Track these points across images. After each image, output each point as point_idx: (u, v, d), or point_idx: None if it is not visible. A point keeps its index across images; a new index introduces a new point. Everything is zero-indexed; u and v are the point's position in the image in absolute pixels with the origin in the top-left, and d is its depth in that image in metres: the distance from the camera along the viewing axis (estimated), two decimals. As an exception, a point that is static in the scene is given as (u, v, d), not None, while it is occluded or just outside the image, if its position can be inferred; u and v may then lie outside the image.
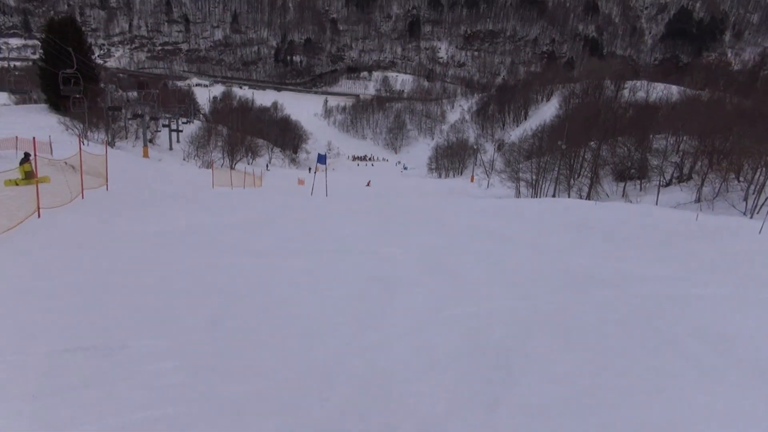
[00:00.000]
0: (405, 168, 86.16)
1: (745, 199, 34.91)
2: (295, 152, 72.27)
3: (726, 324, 3.18)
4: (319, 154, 13.91)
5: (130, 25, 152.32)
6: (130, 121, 26.81)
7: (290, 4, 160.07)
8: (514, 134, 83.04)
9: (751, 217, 27.19)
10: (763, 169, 35.27)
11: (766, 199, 29.19)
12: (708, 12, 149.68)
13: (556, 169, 45.92)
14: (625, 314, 3.48)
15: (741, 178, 38.59)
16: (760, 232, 14.83)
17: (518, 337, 2.89)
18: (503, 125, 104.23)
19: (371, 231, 6.77)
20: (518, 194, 47.78)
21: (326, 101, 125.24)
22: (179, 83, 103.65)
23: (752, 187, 35.59)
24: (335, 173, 53.28)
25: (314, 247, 5.06)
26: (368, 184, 42.49)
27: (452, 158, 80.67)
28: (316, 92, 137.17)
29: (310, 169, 54.16)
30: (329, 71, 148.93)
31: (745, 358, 2.56)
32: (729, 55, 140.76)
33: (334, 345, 2.78)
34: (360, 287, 3.84)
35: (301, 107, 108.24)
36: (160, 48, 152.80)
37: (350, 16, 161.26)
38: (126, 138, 25.32)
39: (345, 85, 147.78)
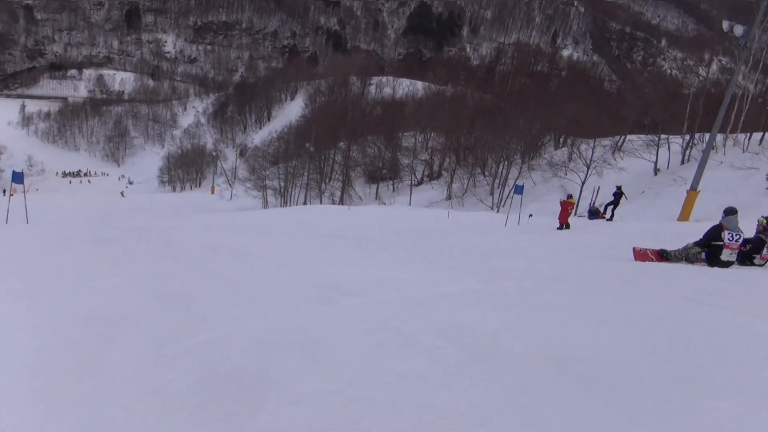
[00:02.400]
0: (130, 183, 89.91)
1: (492, 193, 48.23)
2: (-21, 171, 70.95)
3: (468, 319, 4.32)
4: (14, 172, 14.18)
5: None
6: None
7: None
8: (258, 137, 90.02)
9: (498, 211, 39.85)
10: (505, 162, 50.05)
11: (509, 192, 41.63)
12: (446, 7, 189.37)
13: (306, 174, 53.44)
14: (373, 323, 4.09)
15: (486, 173, 53.11)
16: (505, 225, 22.32)
17: (259, 361, 3.25)
18: (245, 128, 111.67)
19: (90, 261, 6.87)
20: (266, 204, 52.97)
21: (23, 106, 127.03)
22: None
23: (497, 180, 49.83)
24: (40, 195, 50.89)
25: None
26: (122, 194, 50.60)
27: (188, 168, 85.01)
28: (9, 95, 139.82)
29: (4, 191, 53.94)
30: (25, 69, 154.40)
31: (485, 351, 3.51)
32: (468, 50, 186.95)
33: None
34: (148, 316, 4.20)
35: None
36: None
37: (50, 3, 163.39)
38: None
39: (48, 85, 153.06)
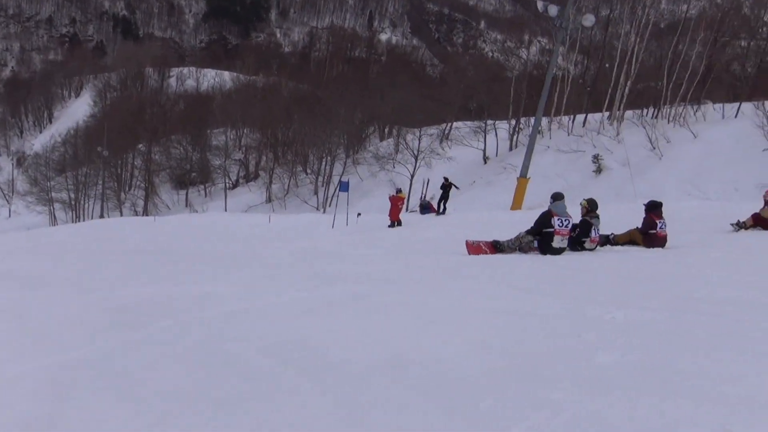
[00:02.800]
0: None
1: (316, 192, 49.14)
2: None
3: (296, 331, 4.35)
4: None
5: None
6: None
7: None
8: (38, 143, 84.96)
9: (324, 212, 40.83)
10: (328, 157, 51.47)
11: (335, 190, 42.29)
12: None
13: (101, 182, 52.17)
14: (188, 345, 4.18)
15: (309, 170, 54.06)
16: (333, 226, 22.90)
17: (52, 401, 3.19)
18: (21, 132, 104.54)
19: None
20: (54, 221, 51.26)
21: None
22: None
23: (320, 178, 50.92)
24: None
25: None
26: None
27: (-55, 187, 75.51)
28: None
29: None
30: None
31: (315, 364, 3.56)
32: (278, 35, 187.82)
33: None
34: None
35: None
36: None
37: None
38: None
39: None
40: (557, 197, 9.66)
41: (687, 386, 2.82)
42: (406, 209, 32.54)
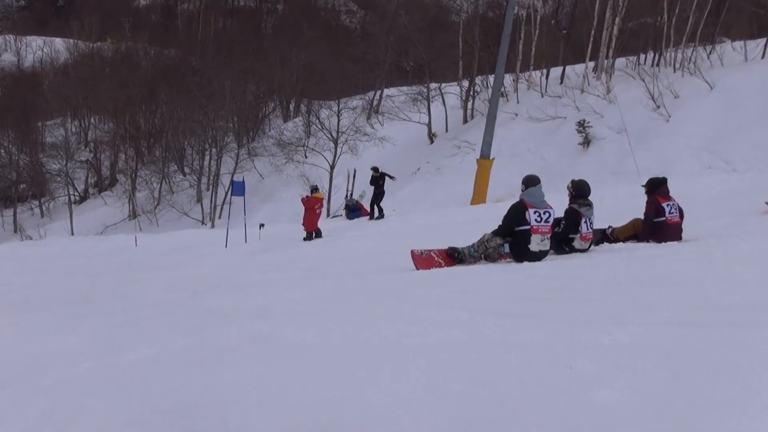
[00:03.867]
0: None
1: (200, 199, 47.52)
2: None
3: (177, 393, 4.42)
4: None
5: None
6: None
7: None
8: None
9: (212, 226, 41.04)
10: (213, 149, 50.19)
11: (226, 195, 41.74)
12: None
13: None
14: (21, 427, 4.24)
15: (187, 169, 52.82)
16: (226, 245, 22.54)
17: None
18: None
19: None
20: None
21: None
22: None
23: (205, 180, 49.15)
24: None
25: None
26: None
27: None
28: None
29: None
30: None
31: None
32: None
33: None
34: None
35: None
36: None
37: None
38: None
39: None
40: (531, 182, 9.77)
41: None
42: (327, 214, 32.47)
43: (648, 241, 10.32)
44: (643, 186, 10.86)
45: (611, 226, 11.04)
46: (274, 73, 49.41)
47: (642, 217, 10.62)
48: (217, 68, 50.69)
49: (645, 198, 10.69)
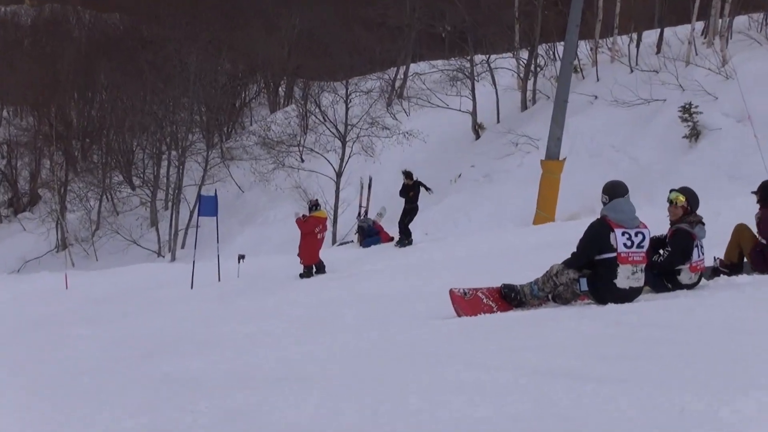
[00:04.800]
0: None
1: (154, 223, 47.41)
2: None
3: None
4: None
5: None
6: None
7: None
8: None
9: (173, 258, 40.53)
10: (173, 152, 49.70)
11: (191, 215, 41.69)
12: None
13: None
14: None
15: (138, 180, 50.97)
16: (192, 286, 22.35)
17: None
18: None
19: None
20: None
21: None
22: None
23: (162, 195, 48.60)
24: None
25: None
26: None
27: None
28: None
29: None
30: None
31: None
32: None
33: None
34: None
35: None
36: None
37: None
38: None
39: None
40: (617, 191, 9.71)
41: None
42: (333, 240, 32.47)
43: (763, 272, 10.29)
44: (754, 192, 10.83)
45: (718, 258, 10.97)
46: (257, 44, 49.34)
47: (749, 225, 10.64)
48: (177, 39, 50.77)
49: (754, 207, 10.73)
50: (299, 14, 50.33)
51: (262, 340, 10.35)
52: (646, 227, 9.59)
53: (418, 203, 24.04)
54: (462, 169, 36.26)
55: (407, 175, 24.13)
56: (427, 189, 24.34)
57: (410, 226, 23.79)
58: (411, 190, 23.77)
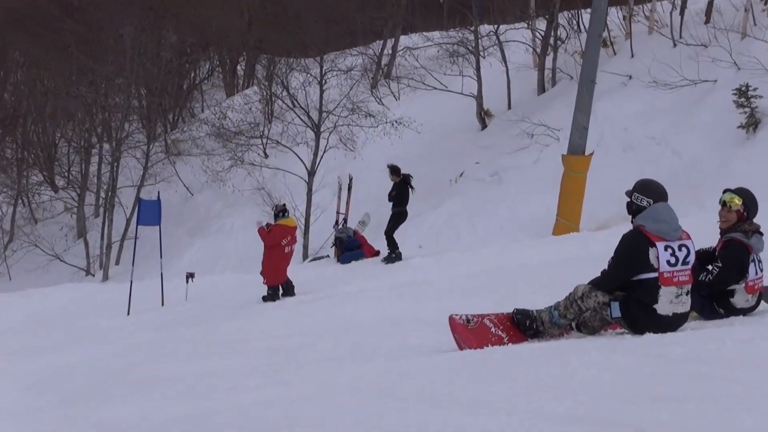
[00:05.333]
0: None
1: (82, 233, 46.39)
2: None
3: None
4: None
5: None
6: None
7: None
8: None
9: (105, 277, 40.78)
10: (105, 145, 48.58)
11: (127, 224, 42.52)
12: None
13: None
14: None
15: (63, 181, 49.92)
16: (128, 311, 22.14)
17: None
18: None
19: None
20: None
21: None
22: None
23: (93, 198, 48.55)
24: None
25: None
26: None
27: None
28: None
29: None
30: None
31: None
32: None
33: None
34: None
35: None
36: None
37: None
38: None
39: None
40: (655, 193, 9.66)
41: None
42: (304, 255, 32.48)
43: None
44: None
45: None
46: (211, 12, 49.39)
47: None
48: (110, 6, 50.85)
49: None
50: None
51: (215, 382, 10.32)
52: (689, 238, 9.49)
53: (407, 207, 23.93)
54: (465, 167, 36.31)
55: (393, 170, 24.07)
56: (411, 187, 24.11)
57: (399, 237, 23.73)
58: (395, 189, 23.70)
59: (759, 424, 5.31)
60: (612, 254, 9.69)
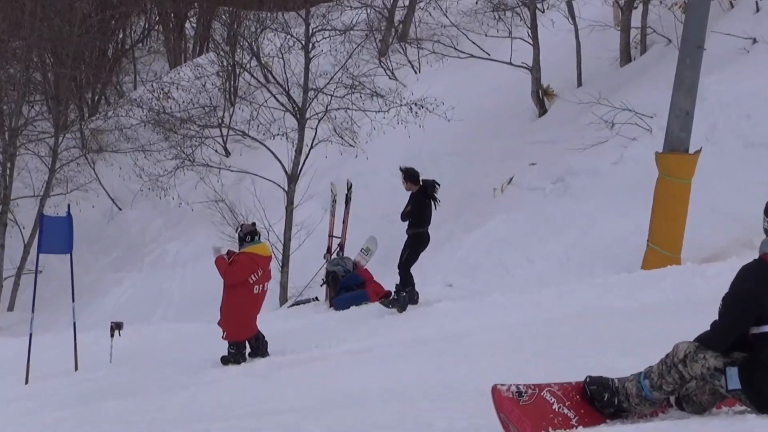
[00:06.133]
0: None
1: None
2: None
3: None
4: None
5: None
6: None
7: None
8: None
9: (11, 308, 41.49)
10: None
11: (19, 267, 42.43)
12: None
13: None
14: None
15: None
16: (27, 380, 22.35)
17: None
18: None
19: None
20: None
21: None
22: None
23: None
24: None
25: None
26: None
27: None
28: None
29: None
30: None
31: None
32: None
33: None
34: None
35: None
36: None
37: None
38: None
39: None
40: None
41: None
42: (283, 298, 32.70)
43: None
44: None
45: None
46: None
47: None
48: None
49: None
50: None
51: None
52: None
53: (427, 228, 23.81)
54: (514, 170, 36.31)
55: (409, 175, 23.89)
56: (434, 199, 23.70)
57: (417, 271, 23.64)
58: (411, 202, 23.47)
59: None
60: (726, 295, 9.47)
